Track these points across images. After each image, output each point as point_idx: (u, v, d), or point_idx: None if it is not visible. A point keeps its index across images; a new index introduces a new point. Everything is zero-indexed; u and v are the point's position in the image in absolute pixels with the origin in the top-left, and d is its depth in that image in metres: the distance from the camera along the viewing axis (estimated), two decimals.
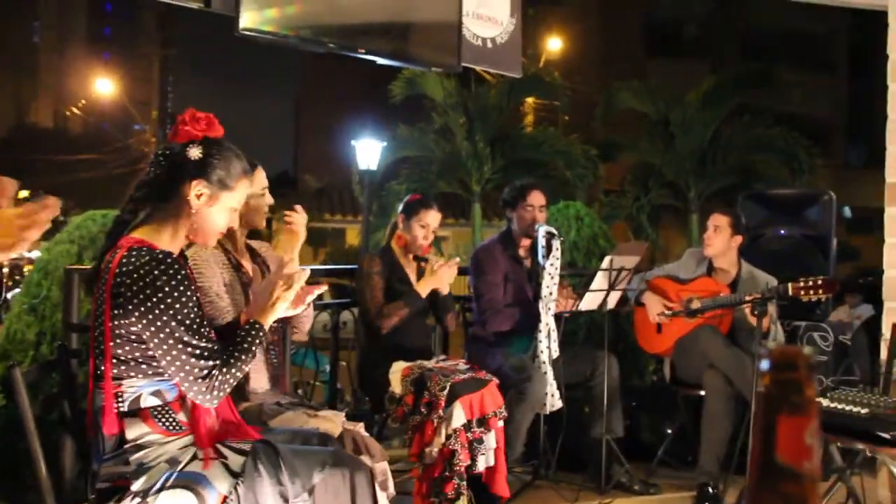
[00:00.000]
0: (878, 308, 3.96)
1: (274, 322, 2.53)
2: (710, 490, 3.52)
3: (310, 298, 2.04)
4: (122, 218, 1.92)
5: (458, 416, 3.05)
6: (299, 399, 2.67)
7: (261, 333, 1.93)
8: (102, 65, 30.96)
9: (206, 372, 1.80)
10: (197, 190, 1.89)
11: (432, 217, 3.45)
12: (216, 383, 1.81)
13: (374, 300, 3.35)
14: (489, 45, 3.74)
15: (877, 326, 3.77)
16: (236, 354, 1.86)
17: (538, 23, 17.91)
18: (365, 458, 2.12)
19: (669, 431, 4.07)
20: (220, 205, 1.94)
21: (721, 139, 13.83)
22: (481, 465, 3.15)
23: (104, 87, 28.02)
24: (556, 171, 13.30)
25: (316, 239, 18.86)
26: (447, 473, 3.06)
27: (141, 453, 1.82)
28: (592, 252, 4.89)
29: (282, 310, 1.98)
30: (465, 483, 3.08)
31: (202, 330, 1.82)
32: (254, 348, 1.90)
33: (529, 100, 18.25)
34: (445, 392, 3.06)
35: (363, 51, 3.32)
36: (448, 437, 3.05)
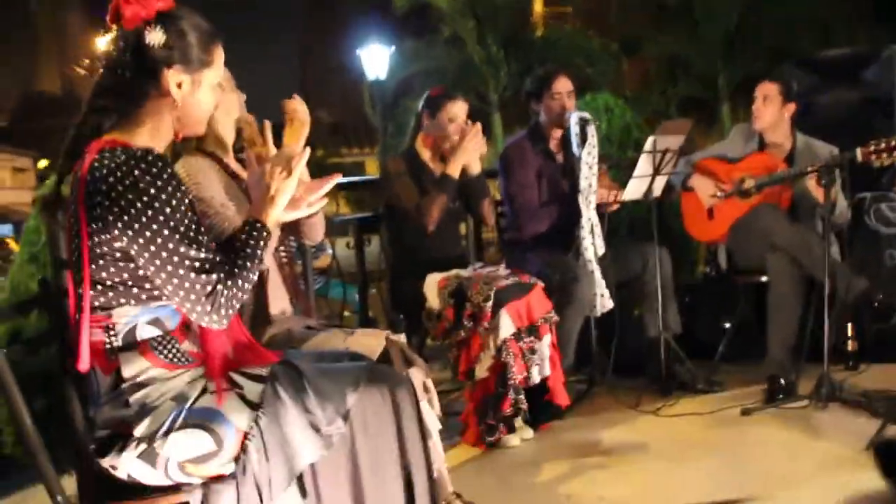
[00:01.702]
0: None
1: (289, 243, 2.27)
2: (782, 381, 3.24)
3: (326, 187, 1.74)
4: (81, 132, 1.60)
5: (507, 326, 2.80)
6: (330, 321, 2.41)
7: (264, 233, 1.63)
8: (101, 23, 30.51)
9: (209, 288, 1.52)
10: (175, 79, 1.59)
11: (459, 107, 3.14)
12: (222, 300, 1.53)
13: (409, 200, 3.07)
14: None
15: None
16: (240, 262, 1.57)
17: None
18: (415, 370, 1.86)
19: (728, 325, 3.79)
20: (205, 85, 1.64)
21: (749, 21, 12.99)
22: (536, 377, 2.91)
23: (105, 44, 27.69)
24: (577, 69, 12.66)
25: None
26: (501, 389, 2.83)
27: (142, 392, 1.55)
28: (626, 144, 4.57)
29: (284, 203, 1.67)
30: (522, 397, 2.85)
31: (200, 238, 1.53)
32: (259, 252, 1.61)
33: (538, 10, 17.55)
34: (490, 303, 2.81)
35: None
36: (498, 349, 2.80)
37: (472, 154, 3.09)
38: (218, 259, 1.55)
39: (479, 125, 3.11)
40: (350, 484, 1.62)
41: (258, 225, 1.63)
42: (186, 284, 1.51)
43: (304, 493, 1.58)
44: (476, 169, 3.16)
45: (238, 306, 1.58)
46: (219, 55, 1.66)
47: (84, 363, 1.55)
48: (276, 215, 1.67)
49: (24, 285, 3.12)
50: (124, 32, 1.59)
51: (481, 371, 2.84)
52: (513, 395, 2.82)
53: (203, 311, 1.53)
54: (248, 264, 1.58)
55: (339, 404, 1.59)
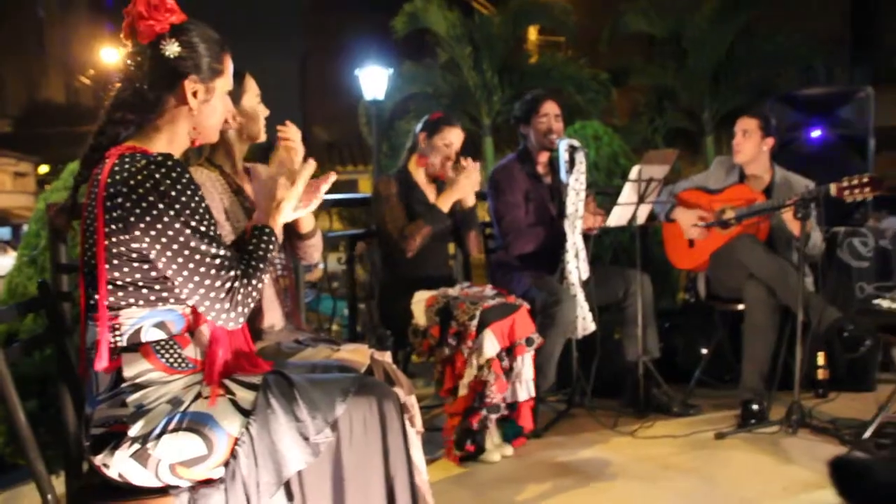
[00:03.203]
0: None
1: (283, 261, 2.34)
2: (755, 407, 3.33)
3: (324, 188, 1.84)
4: (99, 142, 1.67)
5: (491, 345, 2.87)
6: (318, 335, 2.48)
7: (273, 238, 1.71)
8: (107, 35, 30.62)
9: (228, 284, 1.58)
10: (191, 88, 1.67)
11: (455, 135, 3.25)
12: (239, 297, 1.59)
13: (395, 222, 3.15)
14: None
15: None
16: (254, 263, 1.65)
17: None
18: (398, 389, 1.92)
19: (705, 351, 3.89)
20: (218, 93, 1.72)
21: (735, 56, 13.16)
22: (522, 395, 2.99)
23: (110, 56, 27.85)
24: (568, 97, 12.80)
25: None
26: (476, 404, 2.90)
27: (139, 394, 1.60)
28: (614, 172, 4.68)
29: (289, 210, 1.77)
30: (493, 416, 2.92)
31: (217, 237, 1.60)
32: (268, 255, 1.69)
33: (532, 38, 17.76)
34: (475, 321, 2.88)
35: None
36: (480, 368, 2.88)
37: (466, 191, 3.18)
38: (234, 256, 1.61)
39: (478, 164, 3.21)
40: (334, 491, 1.66)
41: (267, 230, 1.71)
42: (206, 282, 1.56)
43: (290, 496, 1.62)
44: (470, 202, 3.25)
45: (252, 305, 1.63)
46: (228, 64, 1.74)
47: (102, 362, 1.60)
48: (282, 221, 1.76)
49: (23, 286, 3.19)
50: (141, 47, 1.66)
51: (463, 388, 2.90)
52: (484, 412, 2.88)
53: (221, 310, 1.59)
54: (261, 265, 1.65)
55: (327, 413, 1.63)
